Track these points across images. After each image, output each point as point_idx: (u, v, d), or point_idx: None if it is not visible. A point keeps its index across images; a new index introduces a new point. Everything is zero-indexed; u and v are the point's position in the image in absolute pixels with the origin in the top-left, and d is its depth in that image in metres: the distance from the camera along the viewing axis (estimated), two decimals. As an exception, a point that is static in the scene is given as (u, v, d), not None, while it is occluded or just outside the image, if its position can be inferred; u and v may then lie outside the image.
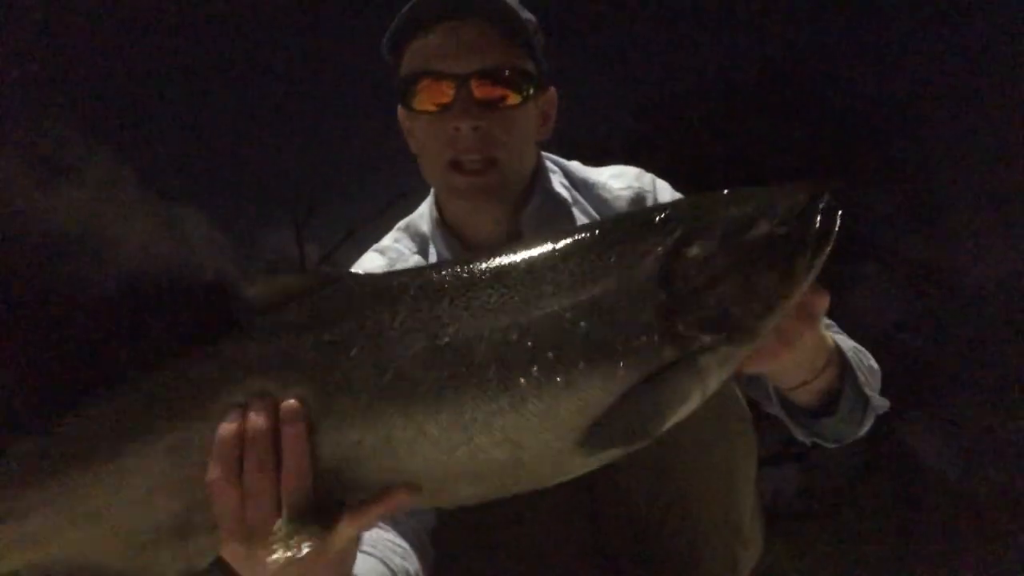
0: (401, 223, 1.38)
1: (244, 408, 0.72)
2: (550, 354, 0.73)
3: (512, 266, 0.79)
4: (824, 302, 0.89)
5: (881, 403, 1.11)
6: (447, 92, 1.15)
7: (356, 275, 0.88)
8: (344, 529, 0.71)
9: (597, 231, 0.83)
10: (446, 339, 0.73)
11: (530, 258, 0.79)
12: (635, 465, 1.25)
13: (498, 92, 1.17)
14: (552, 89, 1.29)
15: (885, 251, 9.66)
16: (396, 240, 1.36)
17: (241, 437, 0.71)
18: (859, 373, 1.06)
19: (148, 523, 0.75)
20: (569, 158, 1.41)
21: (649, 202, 1.31)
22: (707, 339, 0.77)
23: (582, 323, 0.75)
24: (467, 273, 0.78)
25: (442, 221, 1.29)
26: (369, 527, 0.78)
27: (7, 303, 7.35)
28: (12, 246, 8.24)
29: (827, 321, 1.20)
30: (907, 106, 9.55)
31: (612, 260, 0.79)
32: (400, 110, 1.25)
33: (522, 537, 1.23)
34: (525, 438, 0.73)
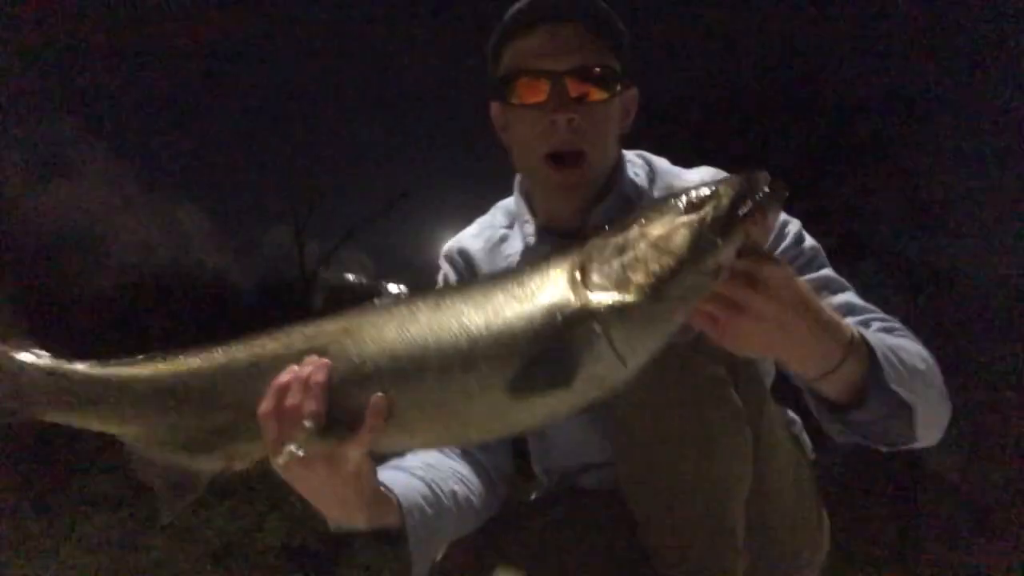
0: (500, 203, 1.58)
1: (297, 368, 1.02)
2: (491, 324, 0.98)
3: (493, 279, 1.07)
4: (778, 272, 0.96)
5: (919, 400, 1.09)
6: (544, 88, 1.28)
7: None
8: (350, 447, 1.01)
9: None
10: (418, 334, 1.01)
11: (505, 275, 1.06)
12: (629, 463, 1.27)
13: (589, 88, 1.30)
14: (634, 88, 1.42)
15: (885, 251, 9.65)
16: (491, 215, 1.57)
17: (288, 386, 1.01)
18: (888, 368, 1.06)
19: (211, 423, 1.09)
20: None
21: None
22: (605, 295, 0.94)
23: (516, 304, 0.98)
24: (441, 295, 1.06)
25: (527, 204, 1.47)
26: (364, 447, 1.02)
27: (5, 302, 7.34)
28: (10, 244, 8.23)
29: (873, 316, 1.26)
30: (907, 106, 9.54)
31: (551, 262, 1.02)
32: (494, 106, 1.41)
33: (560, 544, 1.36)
34: (474, 389, 0.97)
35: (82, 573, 3.95)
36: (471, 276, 1.52)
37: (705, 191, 0.96)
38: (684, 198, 0.97)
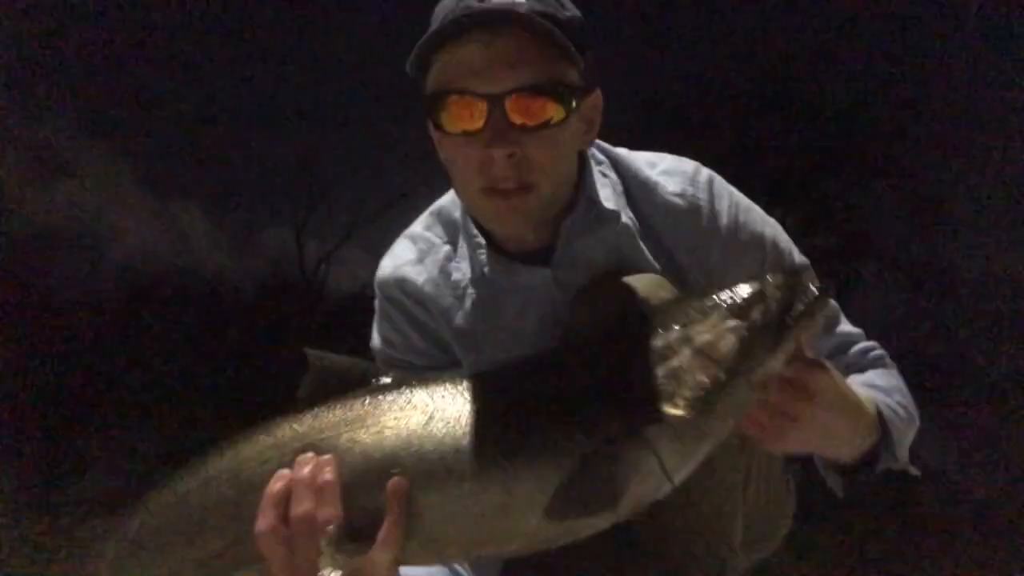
0: (434, 207, 1.32)
1: (291, 471, 0.90)
2: (529, 435, 0.89)
3: (520, 374, 0.99)
4: (827, 380, 0.93)
5: (911, 470, 1.16)
6: (479, 115, 1.02)
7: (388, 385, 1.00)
8: (378, 552, 0.87)
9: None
10: (427, 440, 0.91)
11: (535, 369, 1.00)
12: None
13: (537, 112, 1.04)
14: (597, 92, 1.16)
15: (885, 251, 9.66)
16: (427, 227, 1.31)
17: (287, 494, 0.88)
18: (898, 437, 1.11)
19: (210, 549, 0.94)
20: None
21: (703, 218, 1.19)
22: (653, 412, 0.87)
23: (554, 411, 0.90)
24: (453, 390, 0.95)
25: (473, 220, 1.22)
26: (393, 549, 0.88)
27: (3, 301, 7.34)
28: (8, 243, 8.23)
29: (865, 346, 1.25)
30: (907, 106, 9.54)
31: (584, 365, 0.95)
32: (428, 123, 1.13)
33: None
34: (504, 508, 0.88)
35: (83, 573, 3.95)
36: (420, 313, 1.28)
37: (751, 290, 0.91)
38: (729, 298, 0.91)
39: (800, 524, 1.57)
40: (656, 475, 0.88)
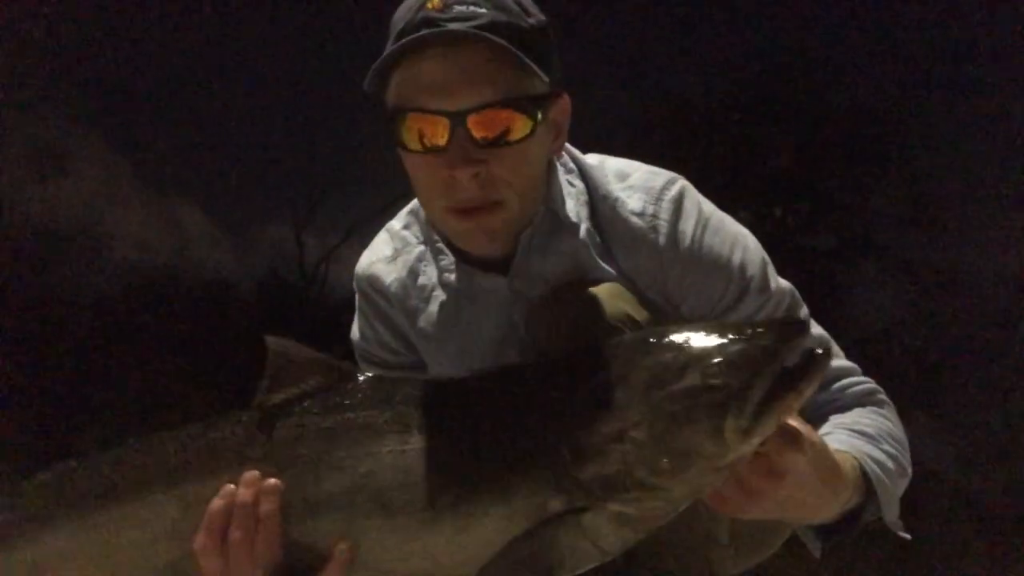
0: (413, 203, 1.27)
1: (233, 489, 0.86)
2: (449, 496, 0.83)
3: (442, 419, 0.88)
4: (801, 459, 0.83)
5: (900, 531, 1.09)
6: (441, 133, 0.98)
7: (354, 388, 0.95)
8: None
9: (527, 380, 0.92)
10: (379, 476, 0.85)
11: (458, 411, 0.90)
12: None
13: (501, 127, 1.00)
14: (564, 97, 1.10)
15: (885, 251, 9.65)
16: (406, 226, 1.29)
17: (228, 513, 0.84)
18: (884, 499, 1.04)
19: (148, 566, 0.89)
20: None
21: (661, 239, 1.12)
22: (598, 496, 0.78)
23: (494, 466, 0.83)
24: (404, 423, 0.88)
25: (436, 230, 1.20)
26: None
27: (2, 300, 7.34)
28: (5, 241, 8.23)
29: (856, 381, 1.15)
30: (907, 106, 9.55)
31: (534, 415, 0.85)
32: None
33: None
34: (437, 559, 0.84)
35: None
36: (390, 311, 1.26)
37: (731, 348, 0.76)
38: (704, 354, 0.77)
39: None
40: (593, 552, 0.81)
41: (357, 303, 1.33)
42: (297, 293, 10.64)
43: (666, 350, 0.81)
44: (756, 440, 0.75)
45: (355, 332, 1.34)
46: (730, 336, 0.78)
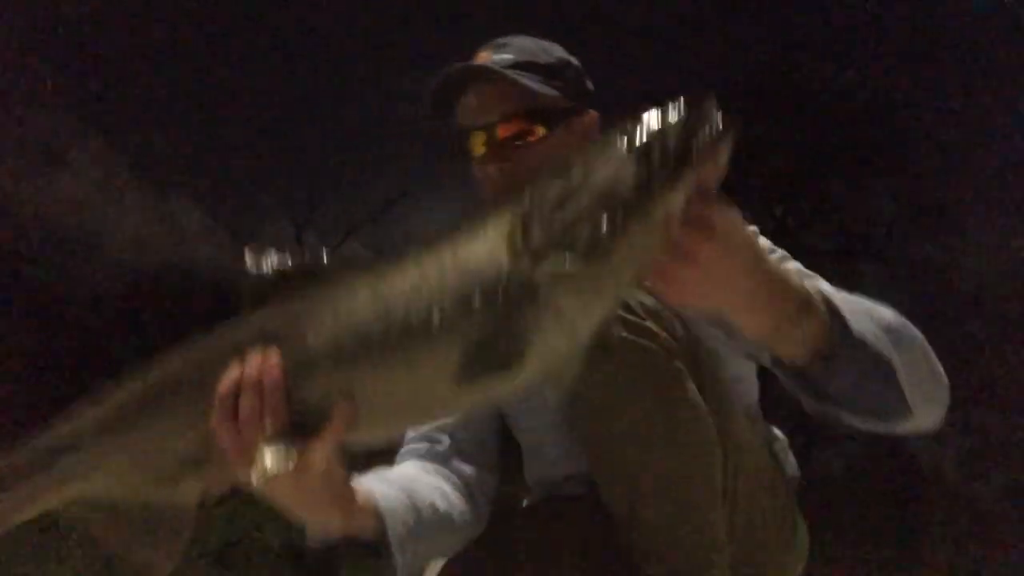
0: None
1: (238, 370, 0.96)
2: (418, 315, 0.89)
3: (424, 244, 0.96)
4: (729, 219, 0.89)
5: (896, 356, 1.02)
6: (481, 141, 1.35)
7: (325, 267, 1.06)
8: (314, 451, 0.95)
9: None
10: (379, 306, 0.93)
11: (438, 236, 0.97)
12: (599, 463, 1.30)
13: (521, 131, 1.35)
14: (590, 113, 1.43)
15: (885, 251, 9.66)
16: None
17: (236, 392, 0.95)
18: (853, 319, 0.99)
19: (174, 452, 1.00)
20: None
21: None
22: (549, 263, 0.85)
23: (453, 274, 0.90)
24: (397, 256, 0.98)
25: None
26: (332, 445, 0.97)
27: (1, 299, 7.34)
28: (2, 240, 8.23)
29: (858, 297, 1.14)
30: (908, 105, 9.54)
31: (487, 218, 0.92)
32: None
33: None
34: (420, 382, 0.92)
35: (82, 573, 3.95)
36: None
37: (650, 125, 0.86)
38: (627, 135, 0.87)
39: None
40: (557, 329, 0.86)
41: None
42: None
43: (595, 142, 0.92)
44: (682, 190, 0.83)
45: None
46: (647, 112, 0.89)
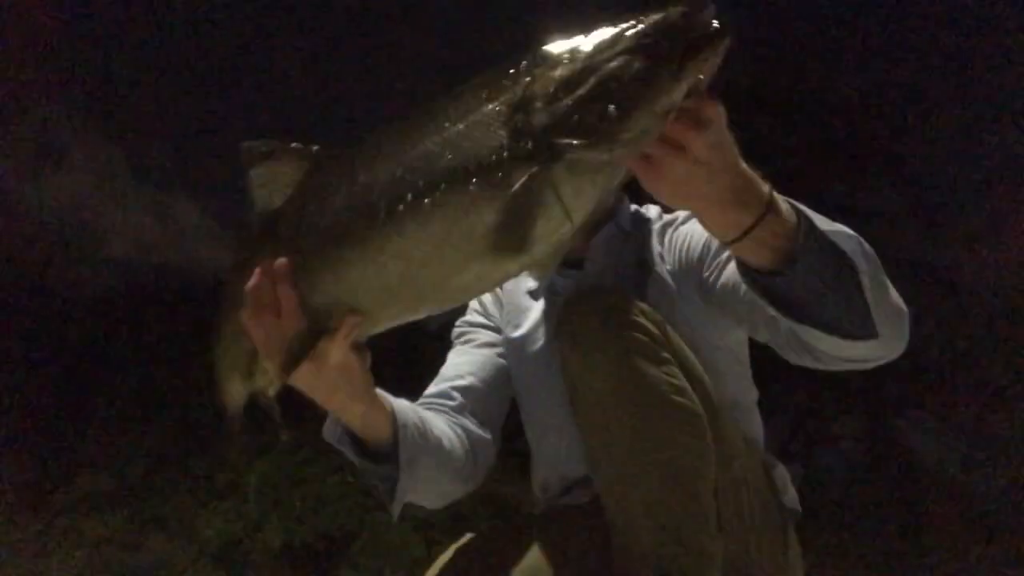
0: None
1: (259, 276, 1.06)
2: (422, 186, 0.90)
3: (412, 125, 0.97)
4: (718, 114, 0.92)
5: (859, 261, 1.06)
6: None
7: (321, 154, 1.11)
8: (329, 345, 1.06)
9: (482, 79, 0.96)
10: (366, 196, 0.95)
11: (427, 115, 0.97)
12: (597, 460, 1.32)
13: None
14: None
15: (885, 251, 9.63)
16: None
17: (259, 291, 1.06)
18: (816, 218, 1.04)
19: (240, 350, 1.19)
20: None
21: (657, 226, 1.67)
22: (556, 145, 0.85)
23: (447, 154, 0.90)
24: (380, 140, 1.00)
25: None
26: (347, 339, 1.06)
27: (1, 299, 7.34)
28: (4, 240, 8.22)
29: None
30: (908, 106, 9.52)
31: (483, 95, 0.92)
32: None
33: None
34: (432, 257, 0.92)
35: (81, 573, 3.95)
36: (493, 310, 1.74)
37: (655, 19, 0.89)
38: (634, 27, 0.89)
39: (800, 524, 1.57)
40: (556, 210, 0.88)
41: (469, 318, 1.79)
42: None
43: (602, 32, 0.93)
44: (683, 87, 0.86)
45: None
46: (654, 16, 0.90)
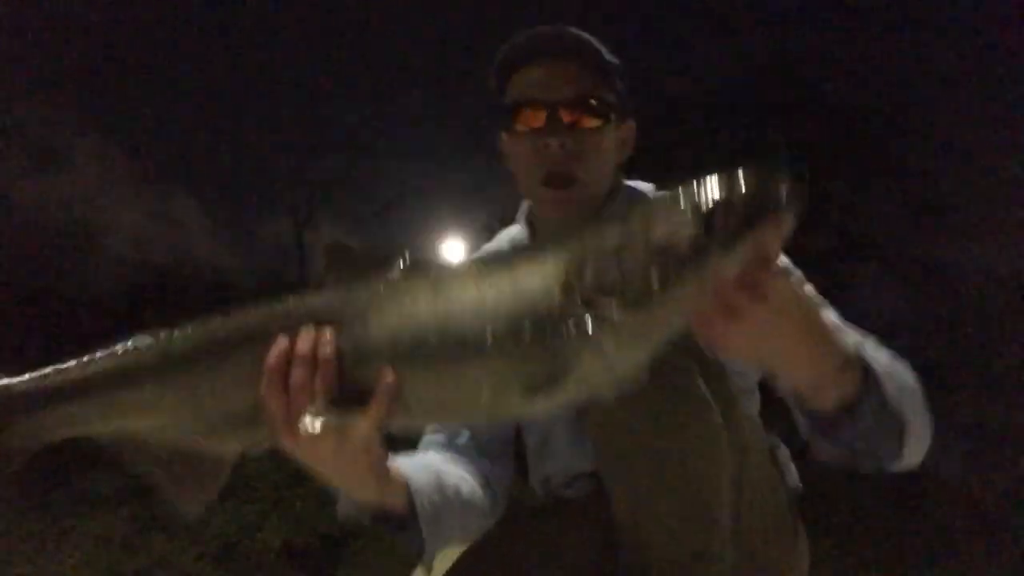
0: (503, 231, 1.67)
1: (293, 338, 1.00)
2: (472, 331, 0.95)
3: (483, 269, 1.02)
4: (783, 285, 0.91)
5: (910, 415, 1.06)
6: (541, 117, 1.40)
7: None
8: (357, 425, 0.99)
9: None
10: (421, 318, 0.99)
11: (498, 260, 1.03)
12: (606, 458, 1.31)
13: (581, 116, 1.41)
14: (631, 122, 1.53)
15: (885, 251, 9.64)
16: (498, 242, 1.65)
17: (288, 358, 0.99)
18: (887, 384, 1.03)
19: (226, 409, 1.05)
20: None
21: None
22: (597, 306, 0.89)
23: (506, 300, 0.95)
24: (439, 287, 1.02)
25: (531, 232, 1.60)
26: (375, 423, 1.00)
27: (1, 299, 7.33)
28: (4, 240, 8.22)
29: (860, 337, 1.18)
30: (907, 106, 9.53)
31: (547, 249, 0.98)
32: (502, 135, 1.51)
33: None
34: (463, 390, 0.97)
35: (82, 573, 3.95)
36: None
37: (715, 188, 0.88)
38: (692, 195, 0.89)
39: (800, 524, 1.57)
40: (597, 367, 0.91)
41: None
42: (297, 289, 10.63)
43: (662, 194, 0.95)
44: (738, 257, 0.86)
45: None
46: (716, 181, 0.90)
